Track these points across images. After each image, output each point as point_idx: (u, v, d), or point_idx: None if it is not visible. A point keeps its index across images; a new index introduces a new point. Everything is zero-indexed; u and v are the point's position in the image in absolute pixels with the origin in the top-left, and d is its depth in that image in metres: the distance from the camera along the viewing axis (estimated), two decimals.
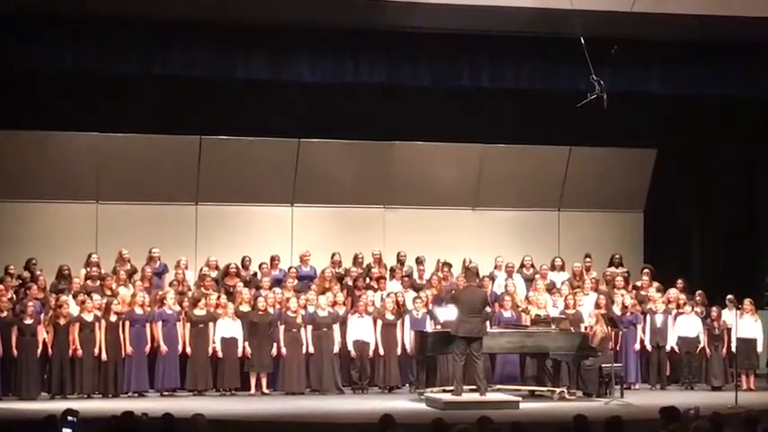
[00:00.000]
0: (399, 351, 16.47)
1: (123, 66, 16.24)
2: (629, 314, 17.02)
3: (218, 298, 16.30)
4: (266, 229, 18.99)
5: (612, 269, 18.29)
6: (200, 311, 16.05)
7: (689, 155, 19.91)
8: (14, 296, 15.99)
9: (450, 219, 19.60)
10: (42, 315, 15.64)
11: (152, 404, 14.02)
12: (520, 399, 14.80)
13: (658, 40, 16.76)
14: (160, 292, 16.32)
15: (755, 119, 19.04)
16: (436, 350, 15.46)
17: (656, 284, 17.72)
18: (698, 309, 17.22)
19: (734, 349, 16.64)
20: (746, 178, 19.90)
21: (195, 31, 16.15)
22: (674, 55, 17.19)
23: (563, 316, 16.55)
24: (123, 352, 15.60)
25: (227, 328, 16.02)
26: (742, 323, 16.69)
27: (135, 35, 16.04)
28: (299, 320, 16.19)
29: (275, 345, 16.12)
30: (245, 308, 16.28)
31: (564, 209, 20.12)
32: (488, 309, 15.60)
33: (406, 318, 16.55)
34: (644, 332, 17.05)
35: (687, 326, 17.04)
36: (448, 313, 15.37)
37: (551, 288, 17.48)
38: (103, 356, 15.49)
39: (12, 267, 16.53)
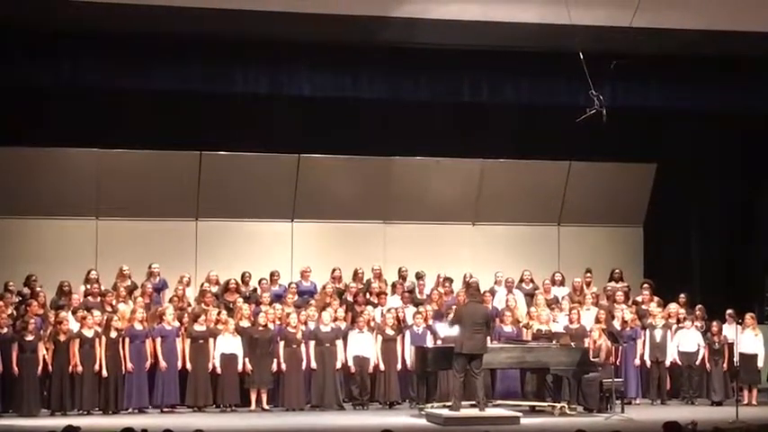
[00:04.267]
0: (400, 366, 16.45)
1: (123, 81, 16.28)
2: (628, 329, 16.99)
3: (219, 314, 16.28)
4: (266, 245, 18.98)
5: (613, 284, 18.29)
6: (200, 327, 16.03)
7: (688, 169, 19.92)
8: (15, 312, 15.97)
9: (450, 234, 19.60)
10: (42, 331, 15.62)
11: (152, 420, 13.97)
12: (520, 414, 14.77)
13: (657, 54, 16.79)
14: (159, 308, 16.31)
15: (755, 133, 19.04)
16: (436, 365, 15.43)
17: (656, 299, 17.72)
18: (698, 323, 17.22)
19: (736, 364, 16.62)
20: (746, 192, 19.90)
21: (195, 45, 16.19)
22: (674, 69, 17.23)
23: (565, 331, 16.54)
24: (123, 368, 15.58)
25: (227, 343, 16.00)
26: (743, 338, 16.68)
27: (134, 50, 16.07)
28: (299, 336, 16.17)
29: (275, 360, 16.10)
30: (245, 323, 16.25)
31: (564, 224, 20.13)
32: (492, 324, 15.66)
33: (407, 333, 16.53)
34: (644, 347, 17.04)
35: (687, 340, 17.03)
36: (448, 329, 15.34)
37: (552, 303, 17.47)
38: (104, 373, 15.47)
39: (12, 284, 16.50)
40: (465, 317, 14.83)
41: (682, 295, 17.80)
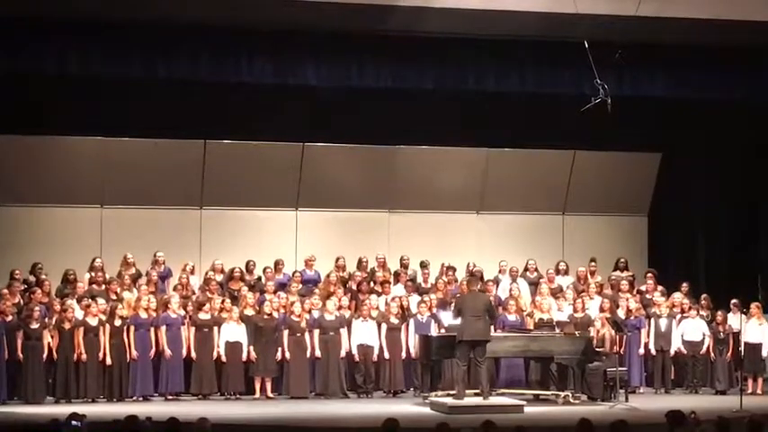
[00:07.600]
0: (404, 355, 16.49)
1: (128, 69, 16.24)
2: (633, 318, 17.01)
3: (223, 302, 16.31)
4: (271, 233, 18.99)
5: (618, 273, 18.29)
6: (204, 315, 16.06)
7: (693, 159, 19.90)
8: (20, 300, 16.01)
9: (454, 223, 19.61)
10: (47, 319, 15.65)
11: (157, 408, 14.02)
12: (524, 403, 14.79)
13: (662, 44, 16.76)
14: (164, 296, 16.33)
15: (760, 122, 19.00)
16: (441, 354, 15.46)
17: (660, 288, 17.72)
18: (703, 312, 17.22)
19: (741, 353, 16.62)
20: (751, 182, 19.85)
21: (200, 34, 16.14)
22: (679, 59, 17.19)
23: (569, 320, 16.54)
24: (128, 356, 15.62)
25: (232, 332, 16.04)
26: (748, 327, 16.67)
27: (140, 39, 16.04)
28: (303, 325, 16.21)
29: (280, 349, 16.13)
30: (249, 312, 16.29)
31: (568, 213, 20.13)
32: (495, 312, 15.67)
33: (411, 322, 16.57)
34: (648, 336, 17.05)
35: (692, 329, 17.04)
36: (452, 318, 15.35)
37: (557, 292, 17.48)
38: (108, 361, 15.51)
39: (17, 272, 16.54)
40: (465, 305, 14.86)
41: (684, 284, 17.81)
